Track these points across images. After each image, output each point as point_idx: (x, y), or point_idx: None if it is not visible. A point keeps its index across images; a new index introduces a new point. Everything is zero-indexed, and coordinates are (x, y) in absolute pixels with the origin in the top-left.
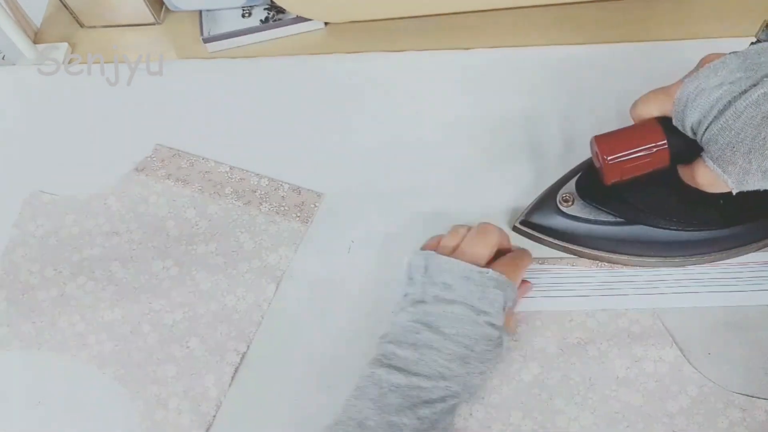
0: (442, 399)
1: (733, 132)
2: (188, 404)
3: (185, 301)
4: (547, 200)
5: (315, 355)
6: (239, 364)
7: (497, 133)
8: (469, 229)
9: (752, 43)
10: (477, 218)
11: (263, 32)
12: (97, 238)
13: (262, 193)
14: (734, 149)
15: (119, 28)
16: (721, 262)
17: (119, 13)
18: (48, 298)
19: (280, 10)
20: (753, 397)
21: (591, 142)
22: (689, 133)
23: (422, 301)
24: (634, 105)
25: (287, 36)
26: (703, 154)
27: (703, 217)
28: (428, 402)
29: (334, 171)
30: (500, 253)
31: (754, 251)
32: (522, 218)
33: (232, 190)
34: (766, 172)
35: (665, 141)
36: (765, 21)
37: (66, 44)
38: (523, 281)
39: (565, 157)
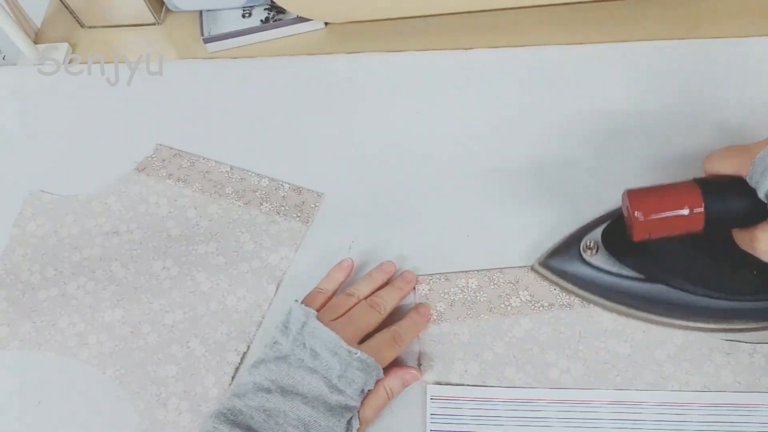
0: None
1: None
2: (188, 404)
3: (185, 301)
4: (570, 245)
5: None
6: (239, 364)
7: (497, 133)
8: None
9: None
10: (472, 215)
11: (263, 32)
12: (98, 238)
13: (263, 193)
14: None
15: (119, 28)
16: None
17: (119, 13)
18: (48, 298)
19: (280, 10)
20: (736, 341)
21: (623, 196)
22: (762, 198)
23: (285, 360)
24: (709, 159)
25: (287, 36)
26: None
27: (733, 286)
28: None
29: (334, 171)
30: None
31: None
32: (542, 260)
33: (232, 190)
34: None
35: (702, 207)
36: None
37: (66, 44)
38: (412, 368)
39: (565, 157)
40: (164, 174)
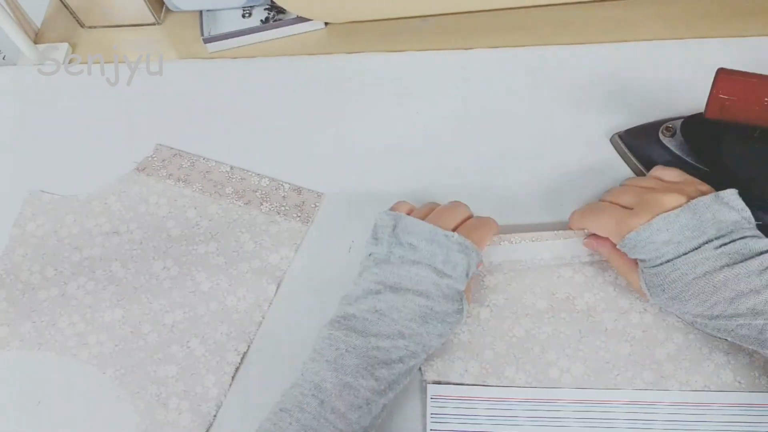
0: (400, 359)
1: (667, 279)
2: (188, 404)
3: (185, 301)
4: (651, 126)
5: None
6: (239, 364)
7: (497, 133)
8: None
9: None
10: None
11: (263, 32)
12: (98, 238)
13: (263, 193)
14: (663, 290)
15: (119, 28)
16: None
17: (119, 13)
18: (48, 298)
19: (281, 11)
20: (737, 342)
21: (716, 72)
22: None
23: (387, 261)
24: (579, 216)
25: (287, 36)
26: (641, 266)
27: None
28: (386, 362)
29: (335, 171)
30: None
31: None
32: (622, 132)
33: (232, 189)
34: (683, 315)
35: None
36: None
37: (66, 44)
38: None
39: (564, 157)
40: (164, 174)
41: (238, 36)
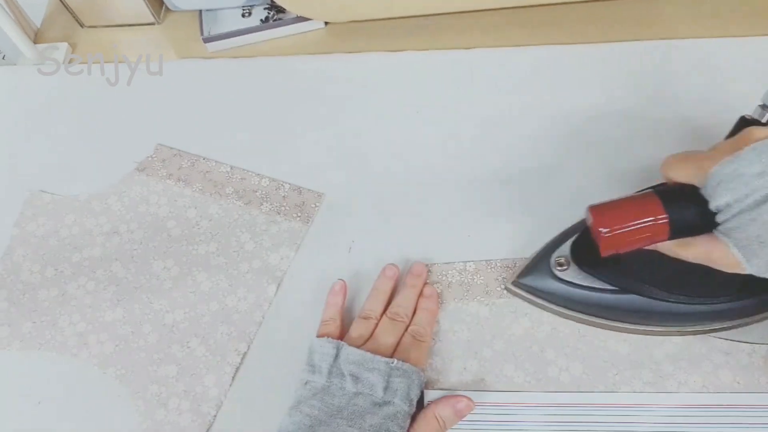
0: None
1: (766, 226)
2: (188, 404)
3: (186, 301)
4: (542, 262)
5: None
6: (240, 364)
7: (496, 132)
8: (383, 311)
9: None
10: (473, 215)
11: (263, 32)
12: (98, 238)
13: (263, 193)
14: (763, 243)
15: (119, 28)
16: (718, 337)
17: (119, 13)
18: (49, 298)
19: (280, 10)
20: (734, 341)
21: (586, 211)
22: (712, 209)
23: (326, 391)
24: (664, 165)
25: (287, 36)
26: (720, 235)
27: (703, 290)
28: None
29: (334, 171)
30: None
31: (756, 322)
32: (514, 279)
33: (232, 190)
34: None
35: (666, 215)
36: None
37: (66, 44)
38: (464, 397)
39: (565, 158)
40: (164, 174)
41: (237, 36)
